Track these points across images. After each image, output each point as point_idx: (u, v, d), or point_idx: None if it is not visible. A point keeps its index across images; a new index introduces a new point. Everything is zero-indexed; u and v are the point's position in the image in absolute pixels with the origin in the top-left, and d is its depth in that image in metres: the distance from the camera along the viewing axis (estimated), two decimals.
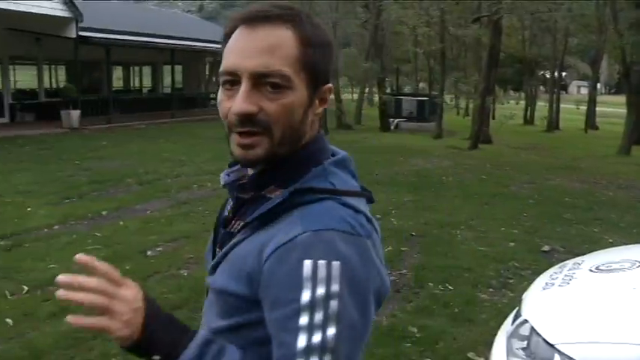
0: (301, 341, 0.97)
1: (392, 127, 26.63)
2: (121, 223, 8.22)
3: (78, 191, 10.19)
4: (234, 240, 1.14)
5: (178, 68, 29.54)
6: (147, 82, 32.79)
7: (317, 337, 0.97)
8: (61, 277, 1.09)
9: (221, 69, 1.12)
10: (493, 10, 18.45)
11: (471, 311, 5.64)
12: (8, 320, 4.90)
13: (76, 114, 20.17)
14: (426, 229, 8.61)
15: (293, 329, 0.97)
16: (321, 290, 0.98)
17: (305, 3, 21.86)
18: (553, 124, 32.92)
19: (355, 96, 34.57)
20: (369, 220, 1.11)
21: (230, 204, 1.25)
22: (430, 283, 6.35)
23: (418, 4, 22.98)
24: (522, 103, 42.97)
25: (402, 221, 9.00)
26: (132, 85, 30.55)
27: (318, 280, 0.98)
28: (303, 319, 0.97)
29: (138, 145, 16.72)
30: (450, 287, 6.30)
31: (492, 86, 20.82)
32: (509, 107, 37.85)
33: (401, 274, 6.70)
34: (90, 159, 13.94)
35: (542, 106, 39.38)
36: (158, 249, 7.08)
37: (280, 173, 1.14)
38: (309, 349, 0.96)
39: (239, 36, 1.10)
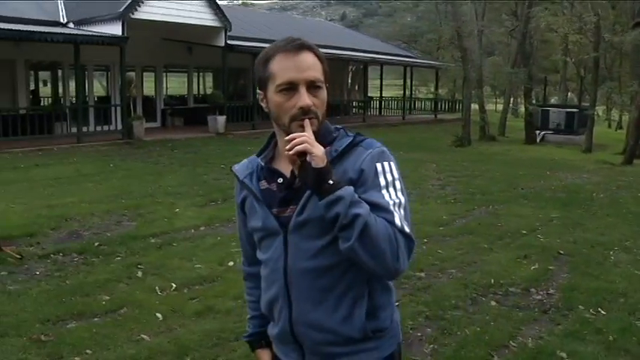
0: (391, 202, 1.71)
1: (538, 140, 25.51)
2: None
3: (223, 194, 10.45)
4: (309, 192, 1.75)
5: None
6: None
7: (397, 199, 1.73)
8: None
9: (280, 81, 1.74)
10: None
11: (627, 341, 5.11)
12: (158, 315, 5.03)
13: (222, 119, 20.93)
14: (575, 249, 8.02)
15: (382, 196, 1.71)
16: (389, 177, 1.75)
17: (452, 11, 21.49)
18: None
19: (499, 107, 33.57)
20: None
21: (257, 181, 1.91)
22: (580, 306, 5.86)
23: (570, 10, 21.82)
24: None
25: (549, 238, 8.46)
26: None
27: (385, 172, 1.75)
28: (385, 192, 1.72)
29: None
30: (602, 312, 5.78)
31: None
32: None
33: (548, 294, 6.25)
34: (235, 163, 14.27)
35: None
36: None
37: (321, 139, 1.74)
38: (396, 205, 1.71)
39: (287, 59, 1.76)
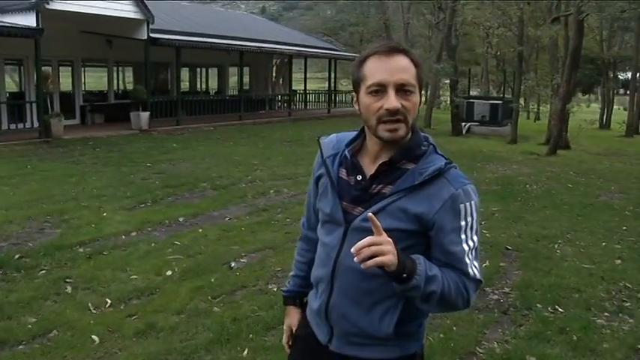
0: (465, 247, 1.79)
1: (464, 131, 25.79)
2: (200, 230, 7.85)
3: (152, 195, 9.90)
4: (390, 198, 1.79)
5: (245, 70, 29.40)
6: (213, 84, 32.78)
7: (471, 243, 1.80)
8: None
9: (370, 82, 1.77)
10: (579, 6, 17.43)
11: (590, 339, 5.01)
12: (94, 337, 4.53)
13: (145, 116, 20.12)
14: (521, 243, 7.96)
15: (459, 242, 1.78)
16: (469, 219, 1.79)
17: (377, 3, 21.36)
18: (633, 128, 31.34)
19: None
20: None
21: (339, 170, 1.93)
22: (538, 305, 5.75)
23: (492, 3, 22.07)
24: (594, 106, 41.26)
25: (494, 233, 8.37)
26: (199, 87, 30.48)
27: (467, 213, 1.78)
28: (463, 236, 1.79)
29: (208, 148, 16.49)
30: (560, 310, 5.68)
31: (573, 89, 19.75)
32: (582, 110, 36.30)
33: (504, 293, 6.10)
34: (161, 161, 13.72)
35: (616, 109, 37.68)
36: (242, 260, 6.65)
37: (408, 151, 1.82)
38: (470, 249, 1.80)
39: (379, 61, 1.79)
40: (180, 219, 8.42)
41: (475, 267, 1.81)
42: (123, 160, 13.85)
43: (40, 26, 16.85)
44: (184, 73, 28.77)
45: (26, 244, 7.08)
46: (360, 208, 1.83)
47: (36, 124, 17.45)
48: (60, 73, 22.41)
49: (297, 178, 12.17)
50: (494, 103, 27.08)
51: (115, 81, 25.06)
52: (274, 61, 31.48)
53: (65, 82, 22.82)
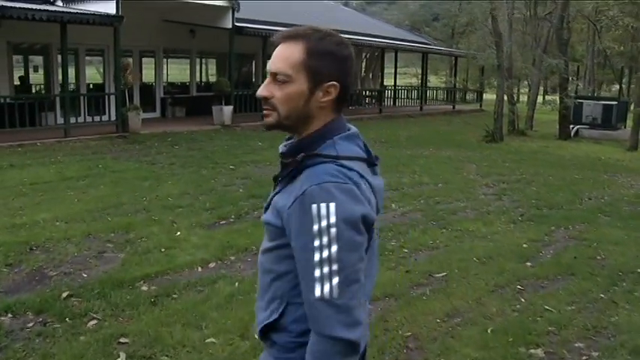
0: (316, 257, 1.52)
1: (572, 135, 23.29)
2: None
3: (236, 208, 8.34)
4: (274, 191, 1.74)
5: None
6: None
7: (325, 253, 1.51)
8: None
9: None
10: None
11: None
12: None
13: (228, 110, 18.76)
14: None
15: (309, 249, 1.53)
16: (324, 223, 1.51)
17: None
18: None
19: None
20: (361, 175, 1.61)
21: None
22: None
23: None
24: None
25: None
26: None
27: (321, 216, 1.51)
28: (316, 242, 1.52)
29: None
30: None
31: None
32: None
33: None
34: (245, 163, 12.20)
35: None
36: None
37: (304, 146, 1.67)
38: (321, 261, 1.52)
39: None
40: None
41: (329, 284, 1.51)
42: (203, 160, 12.42)
43: (121, 14, 15.68)
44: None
45: (80, 274, 5.61)
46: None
47: (114, 118, 16.35)
48: (141, 64, 21.41)
49: (403, 189, 10.40)
50: (608, 103, 24.31)
51: (197, 73, 23.93)
52: (364, 55, 29.69)
53: (146, 74, 21.83)
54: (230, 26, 18.77)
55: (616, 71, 31.01)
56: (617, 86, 41.00)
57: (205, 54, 24.14)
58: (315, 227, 1.51)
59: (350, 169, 1.59)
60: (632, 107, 23.90)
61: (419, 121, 25.37)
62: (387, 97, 29.52)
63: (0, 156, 12.14)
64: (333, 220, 1.51)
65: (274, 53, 1.67)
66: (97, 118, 16.21)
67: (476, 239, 7.49)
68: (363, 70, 30.14)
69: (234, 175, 10.91)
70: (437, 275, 5.99)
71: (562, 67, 21.11)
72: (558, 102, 22.46)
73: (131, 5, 15.99)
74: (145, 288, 5.29)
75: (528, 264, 6.58)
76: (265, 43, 20.00)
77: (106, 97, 17.30)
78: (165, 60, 22.14)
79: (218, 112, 18.75)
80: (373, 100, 29.10)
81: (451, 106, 32.51)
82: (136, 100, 18.93)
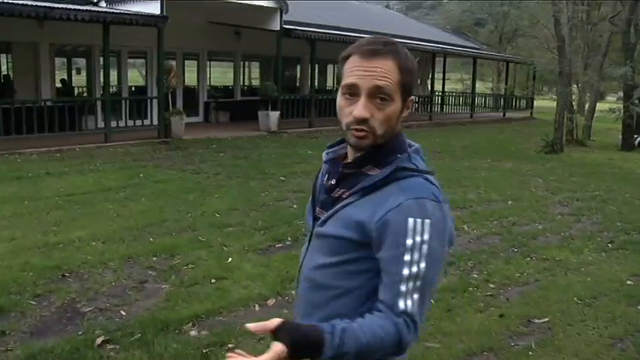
0: (405, 271, 1.50)
1: (636, 145, 21.88)
2: None
3: (291, 229, 7.46)
4: (342, 202, 1.62)
5: None
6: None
7: (414, 269, 1.50)
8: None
9: (344, 83, 1.59)
10: None
11: None
12: None
13: (275, 115, 17.94)
14: None
15: (400, 263, 1.50)
16: (418, 238, 1.50)
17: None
18: None
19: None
20: (440, 191, 1.60)
21: (325, 175, 1.77)
22: None
23: None
24: None
25: None
26: (328, 85, 28.24)
27: (416, 231, 1.49)
28: (407, 257, 1.50)
29: None
30: None
31: None
32: None
33: None
34: (297, 174, 11.33)
35: None
36: None
37: (376, 157, 1.62)
38: (410, 276, 1.50)
39: (358, 61, 1.58)
40: None
41: (411, 300, 1.51)
42: (251, 170, 11.58)
43: (165, 14, 14.99)
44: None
45: (118, 311, 4.78)
46: (325, 213, 1.68)
47: (156, 122, 15.66)
48: (184, 67, 20.75)
49: (471, 207, 9.40)
50: None
51: (241, 77, 23.21)
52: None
53: (189, 77, 21.17)
54: (278, 28, 17.94)
55: None
56: None
57: (250, 57, 23.42)
58: (409, 242, 1.50)
59: (436, 186, 1.61)
60: None
61: (470, 130, 24.25)
62: (436, 104, 28.45)
63: (38, 162, 11.51)
64: (426, 237, 1.51)
65: (369, 68, 1.56)
66: (138, 123, 15.57)
67: (569, 272, 6.46)
68: None
69: (285, 188, 10.05)
70: (537, 321, 5.00)
71: (629, 74, 19.79)
72: (623, 110, 21.08)
73: (175, 5, 15.31)
74: (194, 333, 4.42)
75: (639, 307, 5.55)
76: (313, 47, 19.14)
77: (149, 100, 16.61)
78: (208, 62, 21.46)
79: (264, 118, 17.96)
80: (424, 107, 28.04)
81: (501, 114, 31.28)
82: (179, 104, 18.28)
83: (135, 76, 20.55)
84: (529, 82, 34.77)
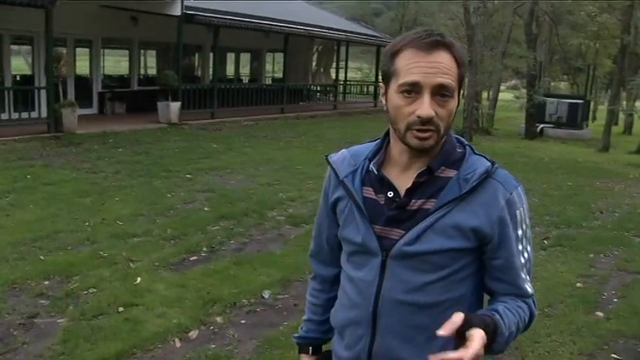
0: (522, 259, 1.53)
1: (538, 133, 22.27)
2: None
3: (206, 237, 6.62)
4: (437, 213, 1.48)
5: (280, 57, 26.11)
6: (245, 71, 29.49)
7: (526, 255, 1.55)
8: None
9: (403, 81, 1.44)
10: None
11: None
12: None
13: (175, 106, 16.80)
14: None
15: (518, 254, 1.52)
16: (524, 226, 1.54)
17: None
18: None
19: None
20: None
21: (366, 188, 1.59)
22: None
23: None
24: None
25: None
26: (231, 74, 27.17)
27: (523, 220, 1.53)
28: (520, 246, 1.52)
29: (257, 151, 13.17)
30: None
31: None
32: None
33: None
34: (204, 171, 10.42)
35: None
36: None
37: (445, 157, 1.53)
38: (525, 262, 1.54)
39: (416, 56, 1.43)
40: (265, 294, 5.10)
41: (529, 282, 1.57)
42: (154, 167, 10.55)
43: None
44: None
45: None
46: (398, 230, 1.52)
47: (45, 115, 14.21)
48: (76, 55, 19.15)
49: None
50: (574, 102, 23.35)
51: (138, 65, 21.81)
52: (315, 48, 28.02)
53: (81, 65, 19.57)
54: (179, 13, 16.78)
55: (572, 69, 30.24)
56: (564, 83, 40.75)
57: (148, 44, 22.05)
58: (520, 232, 1.53)
59: None
60: (592, 105, 23.03)
61: (377, 119, 23.88)
62: (338, 93, 28.04)
63: None
64: (528, 222, 1.56)
65: (431, 64, 1.42)
66: (24, 116, 14.02)
67: None
68: (315, 64, 28.45)
69: (193, 188, 9.14)
70: None
71: (531, 63, 19.95)
72: (527, 99, 21.33)
73: None
74: None
75: (600, 314, 5.13)
76: (216, 33, 18.12)
77: (36, 91, 15.04)
78: (102, 50, 19.95)
79: (164, 109, 16.78)
80: (325, 96, 27.56)
81: None
82: (71, 95, 16.76)
83: (20, 65, 18.77)
84: None
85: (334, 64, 27.81)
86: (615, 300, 5.56)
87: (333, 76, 28.01)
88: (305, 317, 1.92)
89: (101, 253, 5.90)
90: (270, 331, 4.42)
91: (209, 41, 19.29)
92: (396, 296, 1.53)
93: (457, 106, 1.50)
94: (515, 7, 22.21)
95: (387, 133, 1.61)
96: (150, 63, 24.08)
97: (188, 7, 17.15)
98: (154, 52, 23.64)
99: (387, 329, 1.56)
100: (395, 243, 1.52)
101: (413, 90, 1.43)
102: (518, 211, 1.50)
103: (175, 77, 16.85)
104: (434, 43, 1.43)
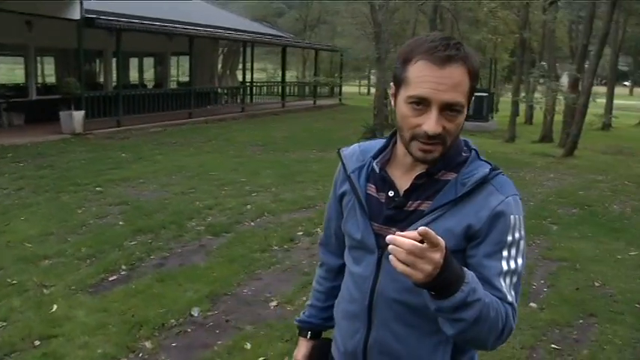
0: (504, 266, 1.47)
1: None
2: (247, 345, 4.29)
3: (123, 254, 6.26)
4: (434, 214, 1.50)
5: (185, 60, 25.55)
6: (148, 76, 28.69)
7: (512, 264, 1.47)
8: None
9: (412, 93, 1.44)
10: None
11: None
12: None
13: (79, 115, 16.03)
14: None
15: (499, 258, 1.47)
16: (517, 235, 1.49)
17: None
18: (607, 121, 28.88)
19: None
20: None
21: (370, 186, 1.63)
22: None
23: None
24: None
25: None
26: (135, 79, 26.34)
27: (515, 228, 1.48)
28: (505, 253, 1.47)
29: (168, 158, 12.74)
30: None
31: (592, 81, 16.98)
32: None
33: None
34: (115, 182, 9.95)
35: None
36: None
37: (447, 162, 1.54)
38: (507, 271, 1.47)
39: (428, 69, 1.42)
40: (195, 311, 4.83)
41: (511, 293, 1.47)
42: (60, 181, 9.97)
43: None
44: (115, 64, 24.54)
45: None
46: (395, 230, 1.41)
47: None
48: None
49: (317, 206, 8.69)
50: (480, 95, 24.05)
51: (35, 73, 20.75)
52: (221, 50, 27.57)
53: None
54: (78, 17, 16.02)
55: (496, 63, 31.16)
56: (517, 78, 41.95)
57: (45, 50, 21.02)
58: (509, 238, 1.48)
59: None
60: (496, 98, 23.80)
61: (286, 119, 23.84)
62: (246, 95, 27.73)
63: None
64: (522, 233, 1.51)
65: (442, 80, 1.41)
66: None
67: None
68: (220, 66, 27.98)
69: (105, 201, 8.68)
70: None
71: None
72: None
73: None
74: None
75: (534, 305, 5.24)
76: (119, 38, 17.45)
77: None
78: None
79: (67, 119, 15.98)
80: (233, 98, 27.19)
81: (311, 102, 31.26)
82: None
83: None
84: (337, 70, 35.33)
85: (240, 66, 27.45)
86: (545, 289, 5.67)
87: (240, 77, 27.65)
88: (308, 302, 2.01)
89: (9, 280, 5.44)
90: (204, 352, 4.17)
91: (111, 46, 18.61)
92: (390, 294, 1.57)
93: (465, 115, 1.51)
94: (419, 4, 22.61)
95: (395, 133, 1.62)
96: (48, 70, 23.08)
97: (88, 11, 16.42)
98: (51, 59, 22.63)
99: (381, 324, 1.61)
100: None
101: (422, 103, 1.43)
102: (512, 216, 1.48)
103: (77, 85, 16.10)
104: (448, 57, 1.41)
